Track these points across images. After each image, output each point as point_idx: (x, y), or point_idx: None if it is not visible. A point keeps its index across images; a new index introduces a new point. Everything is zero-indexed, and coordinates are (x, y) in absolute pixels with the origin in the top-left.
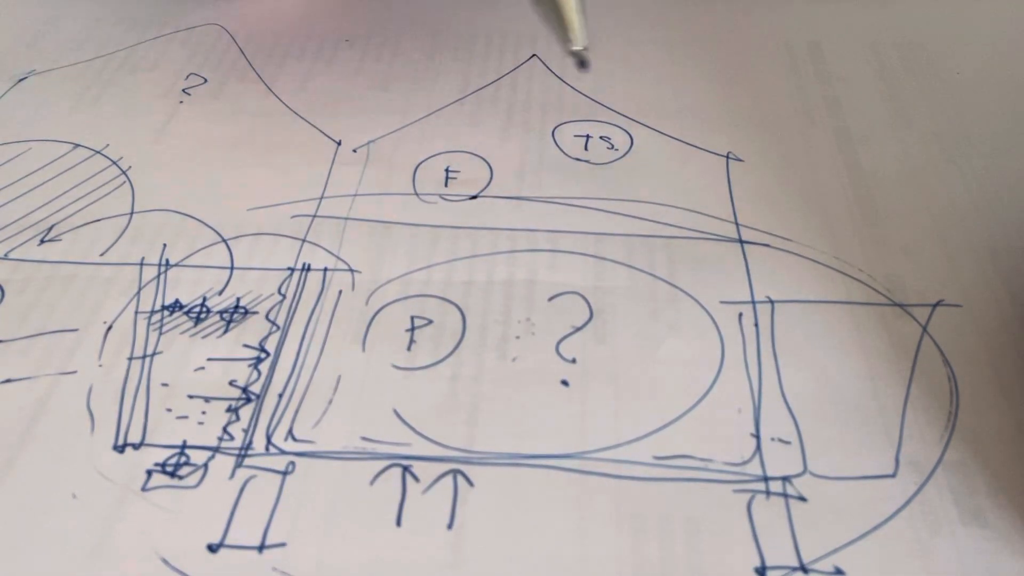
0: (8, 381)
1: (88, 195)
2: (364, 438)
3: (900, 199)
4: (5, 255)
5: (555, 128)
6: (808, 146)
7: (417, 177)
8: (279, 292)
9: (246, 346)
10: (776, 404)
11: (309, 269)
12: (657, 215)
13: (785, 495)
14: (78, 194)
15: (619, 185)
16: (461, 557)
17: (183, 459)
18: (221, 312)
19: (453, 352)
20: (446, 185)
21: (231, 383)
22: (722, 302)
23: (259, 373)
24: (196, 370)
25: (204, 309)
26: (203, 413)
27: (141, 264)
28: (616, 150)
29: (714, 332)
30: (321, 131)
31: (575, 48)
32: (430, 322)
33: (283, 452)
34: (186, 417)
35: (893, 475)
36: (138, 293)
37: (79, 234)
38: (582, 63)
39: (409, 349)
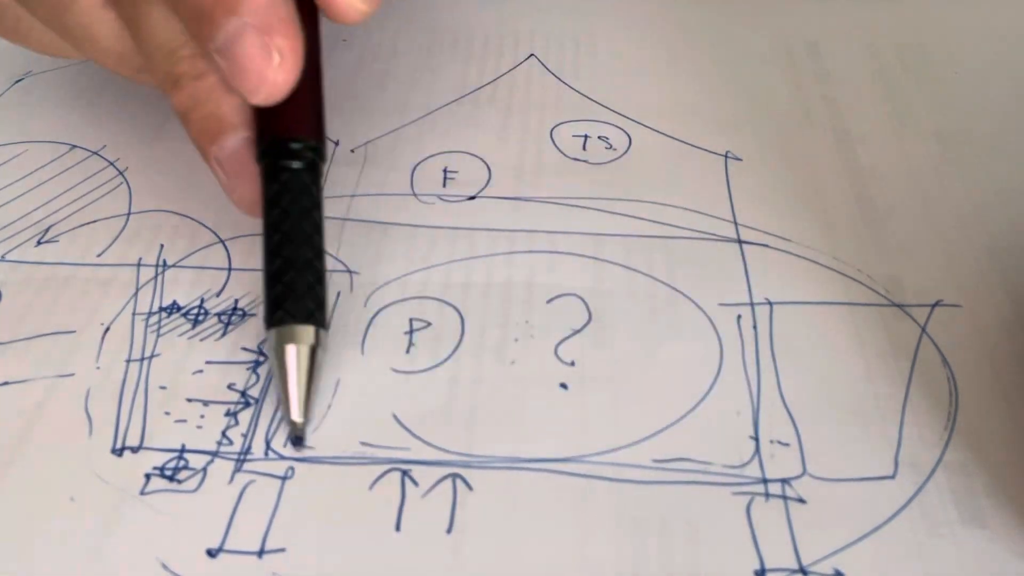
0: (5, 384)
1: (85, 196)
2: (363, 443)
3: (900, 199)
4: (2, 256)
5: (553, 128)
6: (807, 146)
7: (415, 177)
8: None
9: (244, 349)
10: (775, 406)
11: None
12: (656, 215)
13: (784, 497)
14: (75, 195)
15: (617, 185)
16: (460, 561)
17: (182, 463)
18: (219, 314)
19: (452, 355)
20: (444, 185)
21: (230, 386)
22: (720, 304)
23: (257, 376)
24: (194, 373)
25: (202, 311)
26: (202, 417)
27: (138, 265)
28: (614, 150)
29: (712, 334)
30: None
31: (293, 419)
32: (429, 324)
33: (282, 457)
34: (185, 421)
35: (892, 476)
36: (135, 294)
37: (76, 235)
38: (296, 440)
39: (408, 352)
